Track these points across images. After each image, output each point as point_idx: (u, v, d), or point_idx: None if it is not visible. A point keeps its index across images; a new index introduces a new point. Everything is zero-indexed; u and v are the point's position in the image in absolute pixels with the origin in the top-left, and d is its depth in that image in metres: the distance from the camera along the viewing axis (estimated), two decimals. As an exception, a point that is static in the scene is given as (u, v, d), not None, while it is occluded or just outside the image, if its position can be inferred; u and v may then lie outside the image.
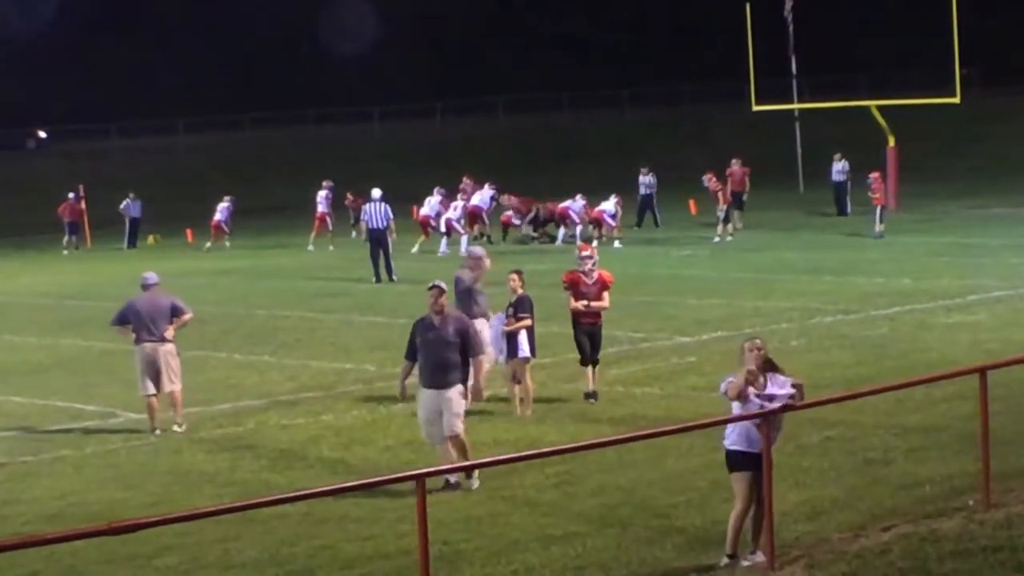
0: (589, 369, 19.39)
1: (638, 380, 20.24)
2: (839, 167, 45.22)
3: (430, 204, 41.74)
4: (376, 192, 36.18)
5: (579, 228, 41.11)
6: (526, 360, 18.84)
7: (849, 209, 44.32)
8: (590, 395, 19.31)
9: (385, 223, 35.34)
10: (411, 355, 15.78)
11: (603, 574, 12.20)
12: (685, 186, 50.80)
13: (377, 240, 35.15)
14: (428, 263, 37.73)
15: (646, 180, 45.15)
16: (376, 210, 35.61)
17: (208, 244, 46.35)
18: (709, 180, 40.81)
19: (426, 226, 41.31)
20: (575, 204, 41.65)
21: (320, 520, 14.02)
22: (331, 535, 13.66)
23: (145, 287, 19.67)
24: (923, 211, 45.07)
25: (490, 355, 18.88)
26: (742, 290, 29.40)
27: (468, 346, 15.61)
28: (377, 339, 25.35)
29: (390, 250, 35.17)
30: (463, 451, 15.42)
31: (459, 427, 15.47)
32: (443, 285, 15.89)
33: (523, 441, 16.92)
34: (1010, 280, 28.57)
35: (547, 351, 21.33)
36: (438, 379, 15.46)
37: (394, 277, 34.49)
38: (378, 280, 34.45)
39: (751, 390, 12.04)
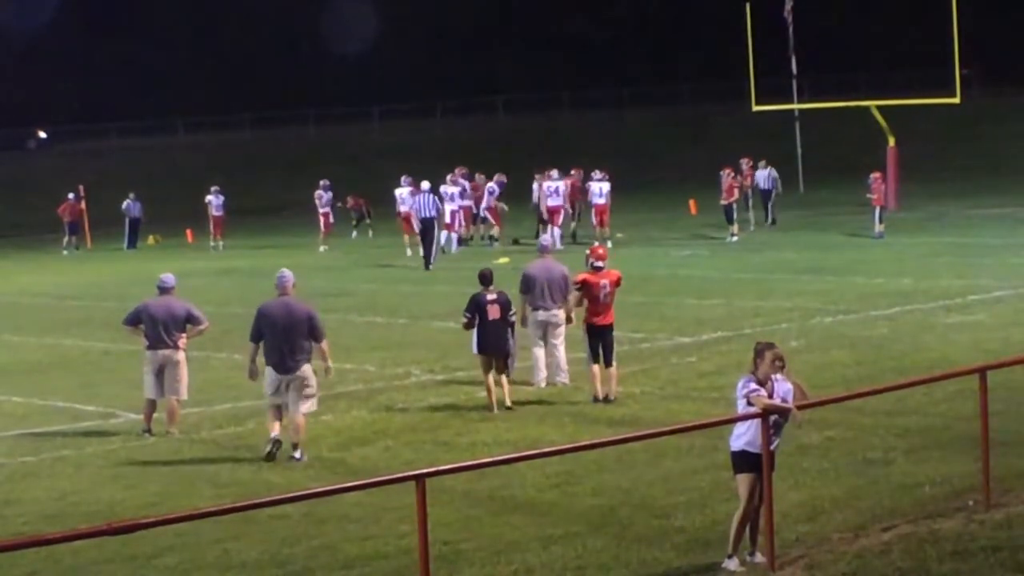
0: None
1: (637, 380, 20.22)
2: (764, 174, 43.90)
3: (402, 198, 40.45)
4: (425, 184, 37.93)
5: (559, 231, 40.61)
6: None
7: (772, 217, 43.42)
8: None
9: (435, 212, 37.14)
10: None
11: (603, 574, 12.20)
12: (685, 186, 50.88)
13: (426, 229, 36.78)
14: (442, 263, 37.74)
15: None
16: (426, 201, 37.23)
17: (220, 243, 46.32)
18: (728, 175, 40.53)
19: (410, 222, 40.36)
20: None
21: (320, 520, 14.01)
22: (331, 535, 13.65)
23: (162, 290, 19.18)
24: (923, 211, 45.04)
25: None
26: (742, 290, 29.39)
27: None
28: (377, 339, 25.36)
29: (435, 241, 36.91)
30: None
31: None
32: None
33: (523, 441, 16.92)
34: (1010, 280, 28.53)
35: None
36: None
37: (431, 267, 36.01)
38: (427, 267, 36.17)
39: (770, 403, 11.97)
